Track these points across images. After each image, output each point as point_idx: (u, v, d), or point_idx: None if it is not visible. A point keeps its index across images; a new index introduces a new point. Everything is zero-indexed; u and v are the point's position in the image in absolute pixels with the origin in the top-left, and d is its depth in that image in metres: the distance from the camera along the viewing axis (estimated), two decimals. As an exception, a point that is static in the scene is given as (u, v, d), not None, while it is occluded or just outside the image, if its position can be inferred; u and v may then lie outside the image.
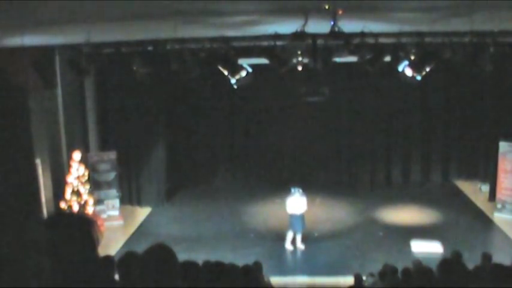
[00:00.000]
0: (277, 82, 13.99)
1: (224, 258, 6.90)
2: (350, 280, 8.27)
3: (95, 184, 12.94)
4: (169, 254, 2.43)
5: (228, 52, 9.42)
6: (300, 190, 11.14)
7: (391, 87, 14.64)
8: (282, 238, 11.59)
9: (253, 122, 15.76)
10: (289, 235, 11.19)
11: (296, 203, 11.01)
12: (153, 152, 14.29)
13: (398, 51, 9.56)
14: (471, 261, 7.52)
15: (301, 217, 11.06)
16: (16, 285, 1.36)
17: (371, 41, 8.66)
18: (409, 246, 10.91)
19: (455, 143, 15.71)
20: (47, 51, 11.13)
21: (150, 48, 9.63)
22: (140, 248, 2.77)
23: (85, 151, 13.10)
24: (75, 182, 11.83)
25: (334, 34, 7.38)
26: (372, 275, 8.48)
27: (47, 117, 11.83)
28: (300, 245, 11.22)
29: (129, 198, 14.46)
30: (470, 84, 14.69)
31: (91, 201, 12.06)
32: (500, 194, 12.89)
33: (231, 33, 8.75)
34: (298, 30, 7.38)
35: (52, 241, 1.72)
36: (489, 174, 13.93)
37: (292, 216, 11.05)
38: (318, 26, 7.19)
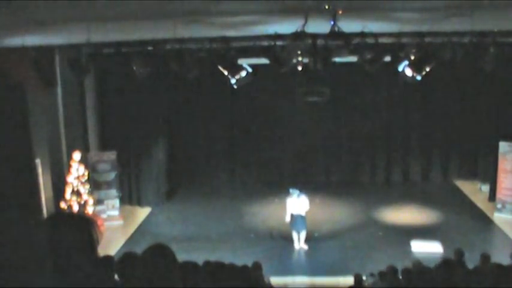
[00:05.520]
0: (277, 82, 14.00)
1: (224, 258, 6.90)
2: (350, 280, 8.27)
3: (95, 184, 12.93)
4: (169, 254, 2.43)
5: (228, 52, 9.42)
6: (298, 191, 11.14)
7: (391, 87, 14.65)
8: (282, 238, 11.61)
9: (253, 122, 15.75)
10: (294, 236, 11.22)
11: (295, 203, 11.03)
12: (153, 152, 14.28)
13: (398, 51, 9.56)
14: (471, 261, 7.54)
15: (302, 217, 11.06)
16: (16, 285, 1.35)
17: (371, 41, 8.66)
18: (409, 246, 10.91)
19: (455, 143, 15.71)
20: (47, 51, 11.13)
21: (150, 48, 9.63)
22: (140, 248, 2.77)
23: (85, 151, 13.10)
24: (75, 182, 11.83)
25: (334, 34, 7.38)
26: (372, 275, 8.48)
27: (47, 117, 11.83)
28: (303, 245, 11.24)
29: (129, 198, 14.46)
30: (470, 84, 14.69)
31: (91, 201, 12.06)
32: (500, 194, 12.89)
33: (231, 33, 8.75)
34: (298, 30, 7.38)
35: (52, 241, 1.72)
36: (489, 174, 13.92)
37: (292, 216, 11.08)
38: (318, 26, 7.19)
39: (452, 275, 4.78)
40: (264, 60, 9.32)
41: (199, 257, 6.43)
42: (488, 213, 12.97)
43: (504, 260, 6.36)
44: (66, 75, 11.94)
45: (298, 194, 11.09)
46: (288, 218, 11.15)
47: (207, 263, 5.86)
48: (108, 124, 14.39)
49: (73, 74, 10.64)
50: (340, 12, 6.79)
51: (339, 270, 10.01)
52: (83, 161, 12.32)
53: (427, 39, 9.13)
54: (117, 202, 13.33)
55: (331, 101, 11.83)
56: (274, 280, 9.05)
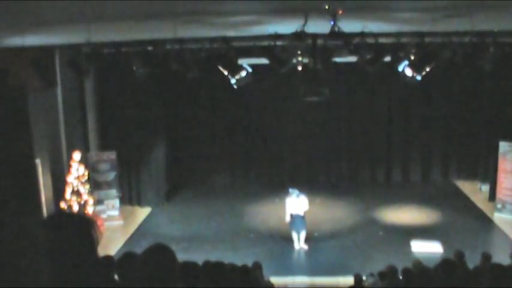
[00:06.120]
0: (277, 82, 14.00)
1: (224, 258, 6.89)
2: (350, 280, 8.27)
3: (95, 184, 12.94)
4: (169, 254, 2.43)
5: (228, 52, 9.41)
6: (297, 191, 11.15)
7: (391, 87, 14.65)
8: (282, 238, 11.61)
9: (253, 122, 15.75)
10: (294, 236, 11.23)
11: (294, 203, 11.04)
12: (153, 152, 14.29)
13: (398, 51, 9.56)
14: (471, 261, 7.54)
15: (301, 217, 11.07)
16: (16, 285, 1.36)
17: (371, 41, 8.66)
18: (409, 246, 10.91)
19: (455, 143, 15.71)
20: (47, 51, 11.13)
21: (150, 48, 9.62)
22: (140, 248, 2.77)
23: (85, 151, 13.10)
24: (75, 182, 11.84)
25: (334, 34, 7.37)
26: (372, 275, 8.48)
27: (47, 117, 11.84)
28: (303, 245, 11.25)
29: (129, 198, 14.46)
30: (470, 85, 14.69)
31: (91, 201, 12.06)
32: (500, 194, 12.89)
33: (231, 33, 8.75)
34: (298, 30, 7.37)
35: (52, 241, 1.72)
36: (489, 174, 13.92)
37: (291, 216, 11.09)
38: (318, 26, 7.18)
39: (452, 275, 4.79)
40: (264, 60, 9.32)
41: (199, 257, 6.43)
42: (488, 213, 12.97)
43: (504, 260, 6.36)
44: (66, 75, 11.95)
45: (298, 194, 11.09)
46: (287, 218, 11.16)
47: (207, 263, 5.85)
48: (108, 124, 14.39)
49: (73, 74, 10.64)
50: (340, 12, 6.78)
51: (339, 270, 10.02)
52: (83, 161, 12.32)
53: (427, 39, 9.13)
54: (117, 202, 13.33)
55: (331, 101, 11.83)
56: (274, 280, 9.06)
